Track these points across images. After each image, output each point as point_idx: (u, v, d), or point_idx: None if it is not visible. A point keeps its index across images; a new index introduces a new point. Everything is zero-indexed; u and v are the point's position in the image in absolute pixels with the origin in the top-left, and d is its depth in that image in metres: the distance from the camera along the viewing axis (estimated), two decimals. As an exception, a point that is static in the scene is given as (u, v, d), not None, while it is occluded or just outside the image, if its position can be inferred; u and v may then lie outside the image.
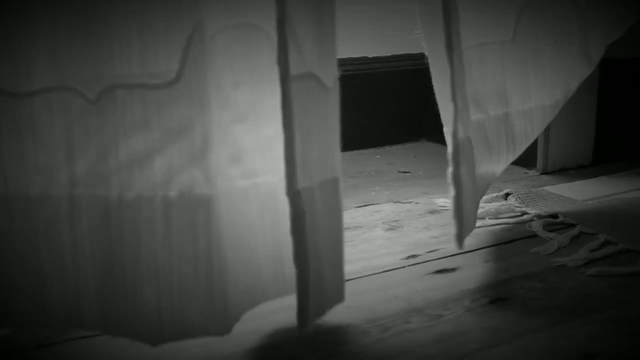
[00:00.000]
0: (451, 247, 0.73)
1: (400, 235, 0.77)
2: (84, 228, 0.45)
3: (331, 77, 0.49)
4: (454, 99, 0.55)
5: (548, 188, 0.93)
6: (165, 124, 0.44)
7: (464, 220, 0.57)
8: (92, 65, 0.43)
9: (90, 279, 0.46)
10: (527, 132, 0.72)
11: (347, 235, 0.78)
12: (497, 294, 0.61)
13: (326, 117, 0.48)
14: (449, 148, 0.55)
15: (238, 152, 0.48)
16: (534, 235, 0.76)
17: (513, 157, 0.73)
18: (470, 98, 0.65)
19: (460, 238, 0.57)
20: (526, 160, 1.08)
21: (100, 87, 0.43)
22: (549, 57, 0.72)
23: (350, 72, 1.12)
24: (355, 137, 1.18)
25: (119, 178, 0.44)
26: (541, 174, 1.05)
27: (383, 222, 0.82)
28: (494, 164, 0.70)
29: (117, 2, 0.42)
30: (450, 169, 0.55)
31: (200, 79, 0.43)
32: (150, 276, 0.45)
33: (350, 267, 0.67)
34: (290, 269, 0.47)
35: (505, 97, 0.70)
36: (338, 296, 0.53)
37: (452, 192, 0.55)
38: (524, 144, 0.73)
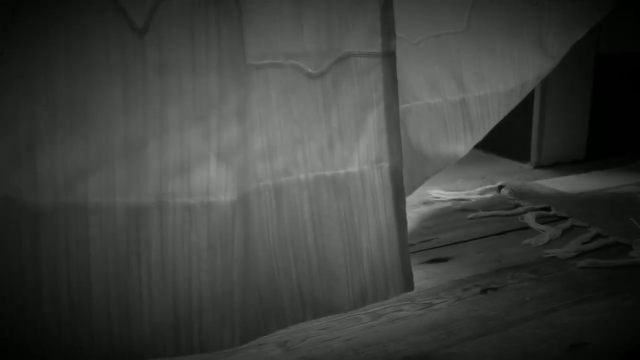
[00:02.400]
0: (444, 237, 0.73)
1: (393, 225, 0.77)
2: None
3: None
4: None
5: (541, 181, 0.94)
6: None
7: None
8: None
9: None
10: (484, 116, 0.76)
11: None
12: (488, 284, 0.61)
13: None
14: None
15: (187, 161, 0.40)
16: (527, 227, 0.76)
17: (472, 139, 0.77)
18: (428, 84, 0.72)
19: None
20: (520, 154, 1.08)
21: None
22: (500, 46, 0.76)
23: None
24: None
25: None
26: (535, 167, 1.05)
27: (377, 212, 0.82)
28: (452, 144, 0.74)
29: None
30: None
31: (24, 61, 0.36)
32: None
33: (343, 256, 0.68)
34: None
35: (462, 83, 0.75)
36: None
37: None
38: (482, 128, 0.77)
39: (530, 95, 1.04)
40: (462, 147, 0.76)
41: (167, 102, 0.38)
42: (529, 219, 0.78)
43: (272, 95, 0.44)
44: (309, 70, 0.44)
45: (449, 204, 0.85)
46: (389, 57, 0.47)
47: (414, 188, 0.73)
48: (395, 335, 0.52)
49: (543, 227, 0.75)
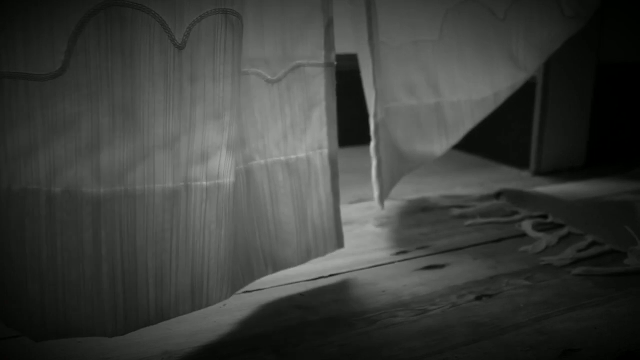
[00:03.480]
0: (441, 244, 0.74)
1: (391, 231, 0.78)
2: None
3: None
4: (374, 85, 0.67)
5: (540, 189, 0.94)
6: (48, 118, 0.42)
7: (384, 184, 0.71)
8: None
9: None
10: (458, 121, 0.84)
11: (338, 230, 0.79)
12: (483, 291, 0.62)
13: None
14: (371, 126, 0.69)
15: (206, 151, 0.48)
16: (523, 235, 0.77)
17: (447, 142, 0.84)
18: (405, 87, 0.80)
19: (382, 199, 0.72)
20: (519, 160, 1.09)
21: None
22: (470, 57, 0.83)
23: (350, 68, 1.13)
24: (352, 133, 1.19)
25: (7, 169, 0.43)
26: (534, 174, 1.06)
27: (375, 218, 0.83)
28: (427, 144, 0.83)
29: None
30: (372, 143, 0.69)
31: (96, 71, 0.42)
32: (34, 275, 0.44)
33: (339, 261, 0.69)
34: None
35: (437, 88, 0.82)
36: None
37: (373, 161, 0.70)
38: (456, 131, 0.84)
39: (530, 103, 1.05)
40: (438, 147, 0.84)
41: (195, 104, 0.47)
42: (526, 226, 0.78)
43: (241, 98, 0.53)
44: (268, 77, 0.56)
45: (447, 210, 0.86)
46: (330, 67, 0.59)
47: (393, 184, 0.80)
48: (389, 340, 0.53)
49: (540, 234, 0.76)
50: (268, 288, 0.62)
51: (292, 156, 0.59)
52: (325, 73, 0.59)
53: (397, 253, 0.71)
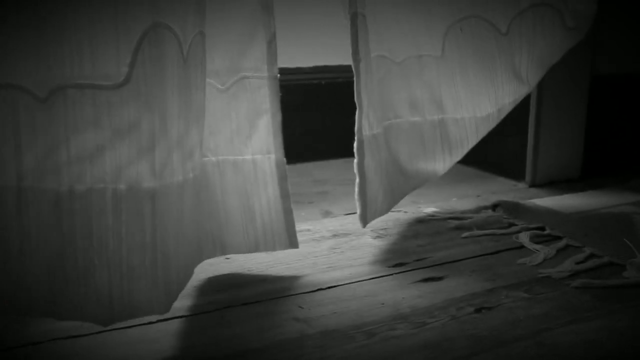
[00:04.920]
0: (438, 256, 0.73)
1: (388, 243, 0.78)
2: (31, 218, 0.48)
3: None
4: (358, 100, 0.68)
5: (536, 200, 0.94)
6: (114, 123, 0.48)
7: (367, 203, 0.71)
8: (43, 65, 0.46)
9: (37, 266, 0.48)
10: (462, 138, 0.84)
11: (335, 242, 0.78)
12: (482, 303, 0.61)
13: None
14: (355, 143, 0.69)
15: (192, 148, 0.55)
16: (521, 247, 0.77)
17: (450, 159, 0.84)
18: (408, 103, 0.80)
19: (364, 218, 0.72)
20: (515, 172, 1.09)
21: (50, 86, 0.46)
22: (474, 74, 0.83)
23: (341, 80, 1.13)
24: (347, 145, 1.19)
25: (69, 172, 0.48)
26: (530, 186, 1.05)
27: (372, 230, 0.82)
28: (430, 162, 0.83)
29: (66, 5, 0.46)
30: (355, 160, 0.69)
31: (150, 81, 0.48)
32: (102, 264, 0.49)
33: (337, 274, 0.68)
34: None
35: (441, 104, 0.82)
36: None
37: (357, 179, 0.70)
38: (460, 148, 0.84)
39: (526, 115, 1.05)
40: (441, 165, 0.83)
41: (190, 109, 0.53)
42: (524, 238, 0.78)
43: None
44: (218, 86, 0.63)
45: (444, 222, 0.85)
46: (273, 80, 0.64)
47: (394, 203, 0.79)
48: (389, 353, 0.52)
49: (537, 246, 0.75)
50: (266, 300, 0.62)
51: (239, 157, 0.65)
52: (269, 85, 0.64)
53: (395, 265, 0.71)
